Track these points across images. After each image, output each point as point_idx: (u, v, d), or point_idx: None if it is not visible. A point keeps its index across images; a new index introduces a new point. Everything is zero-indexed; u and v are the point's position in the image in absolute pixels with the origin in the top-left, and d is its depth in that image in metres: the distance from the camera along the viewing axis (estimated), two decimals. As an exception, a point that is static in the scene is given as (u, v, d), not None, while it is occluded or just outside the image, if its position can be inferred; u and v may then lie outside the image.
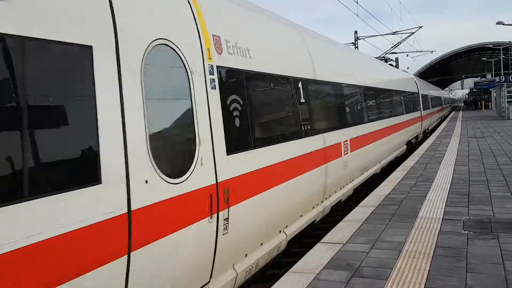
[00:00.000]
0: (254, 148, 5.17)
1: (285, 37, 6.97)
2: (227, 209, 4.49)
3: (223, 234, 4.45)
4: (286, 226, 6.19)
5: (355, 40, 35.41)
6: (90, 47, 3.09)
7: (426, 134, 25.39)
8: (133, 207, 3.31)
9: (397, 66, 27.98)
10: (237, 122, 4.89)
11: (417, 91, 22.10)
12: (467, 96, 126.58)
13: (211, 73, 4.49)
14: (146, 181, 3.46)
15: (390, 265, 4.58)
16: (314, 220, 7.23)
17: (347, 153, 8.80)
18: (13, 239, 2.51)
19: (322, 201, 7.58)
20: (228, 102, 4.74)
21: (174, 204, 3.76)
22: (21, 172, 2.59)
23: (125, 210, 3.24)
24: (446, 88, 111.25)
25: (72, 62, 2.96)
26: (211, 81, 4.47)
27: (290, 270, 4.58)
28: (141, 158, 3.43)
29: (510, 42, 49.22)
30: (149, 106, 3.58)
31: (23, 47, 2.65)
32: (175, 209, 3.77)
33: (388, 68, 18.01)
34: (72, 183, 2.86)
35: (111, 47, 3.29)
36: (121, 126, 3.29)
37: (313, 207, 7.20)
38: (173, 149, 3.90)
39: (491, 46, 56.43)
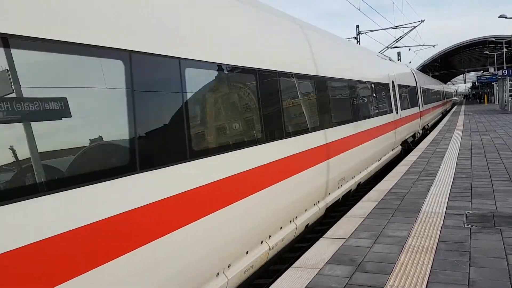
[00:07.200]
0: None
1: None
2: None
3: None
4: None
5: (357, 35, 35.31)
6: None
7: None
8: None
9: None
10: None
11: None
12: (469, 90, 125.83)
13: None
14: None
15: (393, 260, 4.57)
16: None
17: None
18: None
19: None
20: None
21: None
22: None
23: None
24: (449, 82, 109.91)
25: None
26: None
27: (293, 265, 4.58)
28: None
29: (512, 35, 48.91)
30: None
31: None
32: None
33: None
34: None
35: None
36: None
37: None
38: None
39: (493, 39, 56.12)
